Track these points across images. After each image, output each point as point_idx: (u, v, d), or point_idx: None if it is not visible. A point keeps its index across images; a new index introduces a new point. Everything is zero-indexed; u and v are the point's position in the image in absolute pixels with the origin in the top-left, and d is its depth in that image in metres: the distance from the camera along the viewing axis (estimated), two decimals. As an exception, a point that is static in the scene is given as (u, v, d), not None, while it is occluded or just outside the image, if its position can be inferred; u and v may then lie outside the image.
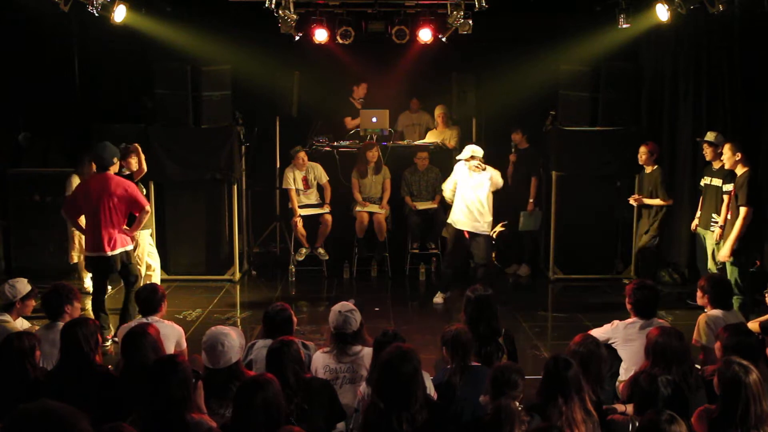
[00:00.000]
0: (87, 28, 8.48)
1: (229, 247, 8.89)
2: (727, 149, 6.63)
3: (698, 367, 4.45)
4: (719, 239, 6.85)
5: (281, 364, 3.73)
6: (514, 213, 9.04)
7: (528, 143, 9.23)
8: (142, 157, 7.28)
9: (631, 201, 8.13)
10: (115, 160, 6.52)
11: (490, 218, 7.59)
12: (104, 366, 4.21)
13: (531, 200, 9.02)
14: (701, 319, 4.93)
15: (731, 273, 6.56)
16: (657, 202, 7.88)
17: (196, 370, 3.71)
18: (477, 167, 7.49)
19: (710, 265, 7.11)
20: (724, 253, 6.55)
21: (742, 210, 6.43)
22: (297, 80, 9.59)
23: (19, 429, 1.94)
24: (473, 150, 7.60)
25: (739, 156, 6.54)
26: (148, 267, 7.63)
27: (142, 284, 6.31)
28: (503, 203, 9.25)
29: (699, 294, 5.13)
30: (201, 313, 7.48)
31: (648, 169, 7.99)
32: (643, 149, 7.95)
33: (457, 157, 7.78)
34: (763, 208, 6.80)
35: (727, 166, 6.72)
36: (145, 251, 7.56)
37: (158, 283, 6.98)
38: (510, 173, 9.38)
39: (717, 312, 4.94)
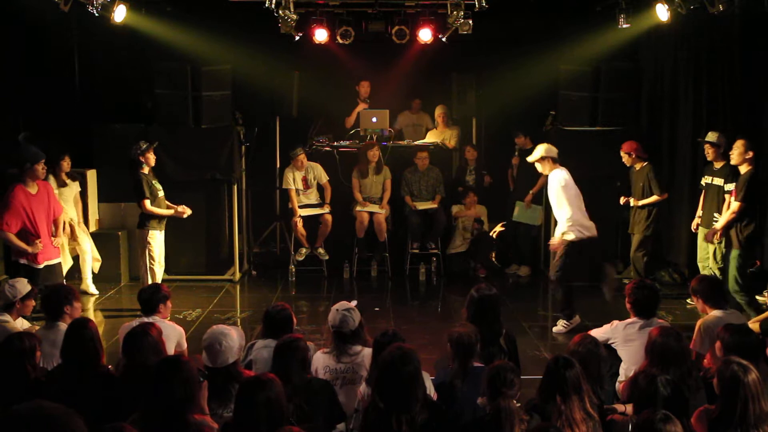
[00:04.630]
0: (87, 28, 8.48)
1: (229, 247, 8.91)
2: (740, 144, 6.63)
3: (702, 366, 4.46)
4: (719, 238, 6.89)
5: (288, 362, 3.73)
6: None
7: (532, 143, 9.20)
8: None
9: (630, 202, 7.98)
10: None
11: (562, 227, 6.73)
12: (105, 366, 4.20)
13: (531, 192, 8.88)
14: (698, 323, 4.91)
15: (732, 268, 6.62)
16: (653, 199, 7.78)
17: (201, 369, 3.71)
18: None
19: (711, 264, 7.12)
20: (707, 237, 6.82)
21: (736, 204, 6.60)
22: (297, 80, 9.60)
23: (12, 430, 1.92)
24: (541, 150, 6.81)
25: (750, 154, 6.59)
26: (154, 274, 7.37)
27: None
28: (505, 204, 9.28)
29: (693, 297, 5.12)
30: (201, 313, 7.48)
31: (637, 166, 7.91)
32: (622, 153, 7.90)
33: (530, 160, 7.00)
34: (762, 209, 6.82)
35: (734, 162, 6.72)
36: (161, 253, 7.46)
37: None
38: (514, 174, 9.39)
39: (715, 315, 4.89)
